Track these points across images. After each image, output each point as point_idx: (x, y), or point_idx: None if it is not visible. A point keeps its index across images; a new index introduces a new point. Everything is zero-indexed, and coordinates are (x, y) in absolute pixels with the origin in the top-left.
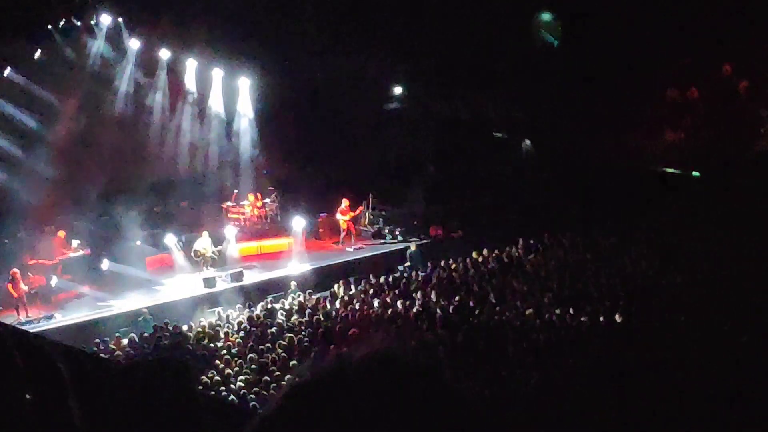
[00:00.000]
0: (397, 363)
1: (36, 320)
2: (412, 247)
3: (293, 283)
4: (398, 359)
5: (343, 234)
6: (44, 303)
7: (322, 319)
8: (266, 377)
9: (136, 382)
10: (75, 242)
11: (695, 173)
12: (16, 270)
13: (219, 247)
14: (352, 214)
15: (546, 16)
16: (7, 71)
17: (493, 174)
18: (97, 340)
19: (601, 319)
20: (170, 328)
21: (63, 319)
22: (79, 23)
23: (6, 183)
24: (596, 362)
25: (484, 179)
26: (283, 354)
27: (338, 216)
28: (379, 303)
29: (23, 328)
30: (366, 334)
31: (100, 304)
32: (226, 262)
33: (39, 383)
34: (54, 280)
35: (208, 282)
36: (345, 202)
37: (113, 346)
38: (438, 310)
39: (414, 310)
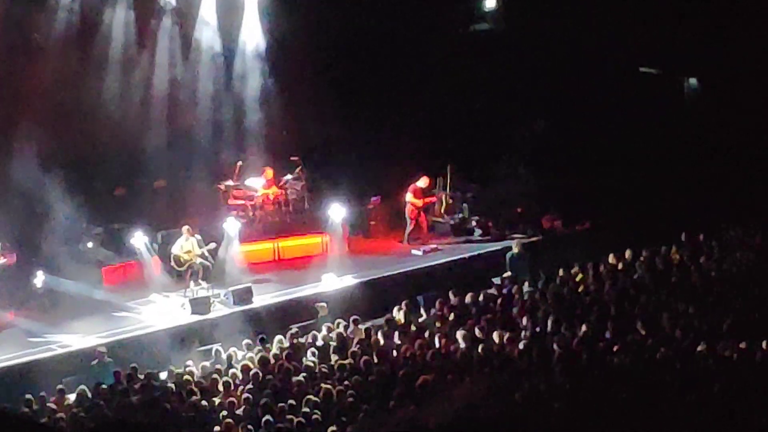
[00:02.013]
0: (493, 428)
1: None
2: (515, 248)
3: (327, 307)
4: (495, 423)
5: (409, 227)
6: None
7: (375, 361)
8: None
9: None
10: None
11: None
12: None
13: (210, 246)
14: (428, 199)
15: None
16: None
17: (638, 133)
18: (29, 396)
19: None
20: (140, 376)
21: None
22: None
23: None
24: None
25: (624, 141)
26: (316, 416)
27: (409, 199)
28: (464, 335)
29: None
30: (445, 385)
31: (32, 339)
32: (226, 274)
33: None
34: None
35: (198, 305)
36: (423, 181)
37: (53, 405)
38: (555, 346)
39: (519, 345)
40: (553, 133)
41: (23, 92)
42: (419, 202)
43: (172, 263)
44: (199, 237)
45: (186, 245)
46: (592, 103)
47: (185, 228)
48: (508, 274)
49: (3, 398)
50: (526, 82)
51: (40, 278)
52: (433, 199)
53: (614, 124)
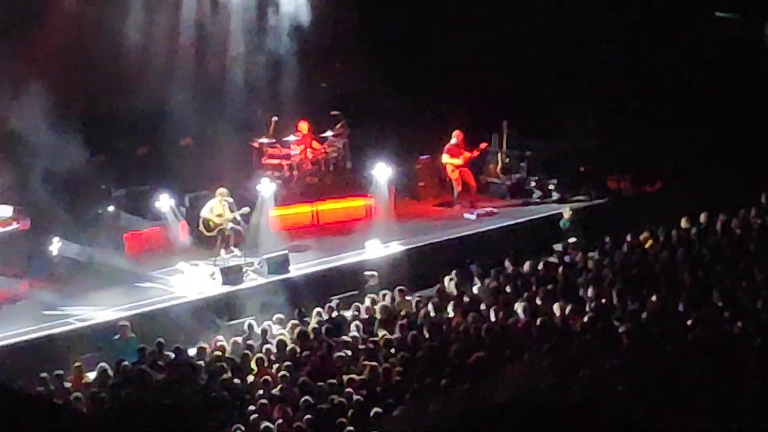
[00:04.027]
0: (554, 409)
1: None
2: (566, 214)
3: (374, 275)
4: (555, 406)
5: (457, 189)
6: None
7: (424, 336)
8: None
9: None
10: (3, 209)
11: None
12: None
13: (243, 211)
14: (467, 155)
15: None
16: None
17: (715, 84)
18: (44, 374)
19: None
20: (166, 352)
21: None
22: None
23: None
24: None
25: (699, 93)
26: (359, 396)
27: (446, 160)
28: (522, 308)
29: None
30: (501, 362)
31: (48, 312)
32: (260, 240)
33: None
34: None
35: (230, 274)
36: (456, 136)
37: (71, 384)
38: (622, 320)
39: (582, 319)
40: (621, 84)
41: (39, 45)
42: (458, 161)
43: (201, 227)
44: (231, 200)
45: (217, 208)
46: (663, 52)
47: (220, 190)
48: (571, 240)
49: (16, 376)
50: (590, 28)
51: (56, 245)
52: (475, 153)
53: (688, 74)
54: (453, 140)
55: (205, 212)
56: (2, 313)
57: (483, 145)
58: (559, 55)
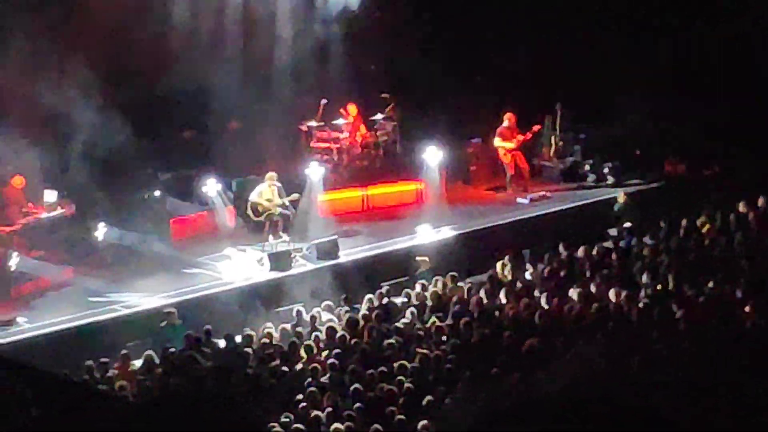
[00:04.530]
0: (612, 400)
1: None
2: (620, 198)
3: (425, 261)
4: (610, 393)
5: (509, 174)
6: None
7: (476, 322)
8: (380, 424)
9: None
10: (49, 194)
11: None
12: None
13: (293, 197)
14: (520, 138)
15: None
16: None
17: None
18: (89, 362)
19: None
20: (214, 340)
21: (31, 326)
22: None
23: None
24: None
25: (757, 71)
26: (409, 384)
27: (498, 144)
28: (576, 294)
29: None
30: (554, 350)
31: (93, 299)
32: (309, 225)
33: None
34: (14, 260)
35: (278, 260)
36: (508, 119)
37: (117, 371)
38: (677, 306)
39: (638, 305)
40: (677, 66)
41: (84, 27)
42: (511, 144)
43: (249, 211)
44: (279, 185)
45: (266, 192)
46: (718, 27)
47: (270, 174)
48: (627, 224)
49: (61, 364)
50: (647, 7)
51: (101, 231)
52: (528, 136)
53: (745, 50)
54: (505, 123)
55: (253, 196)
56: (47, 300)
57: (536, 128)
58: (615, 36)
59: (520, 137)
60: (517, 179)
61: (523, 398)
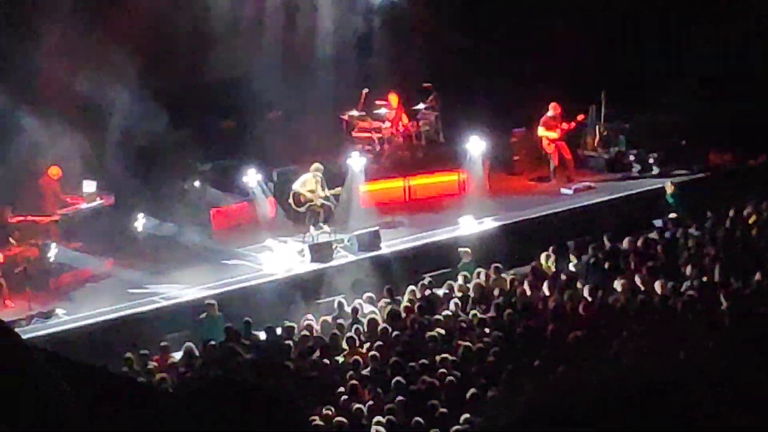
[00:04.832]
0: (657, 394)
1: (24, 320)
2: (669, 188)
3: (466, 252)
4: (656, 387)
5: (553, 164)
6: (36, 290)
7: (519, 314)
8: (421, 418)
9: (198, 424)
10: (88, 185)
11: None
12: None
13: (336, 191)
14: (564, 127)
15: None
16: None
17: None
18: (128, 354)
19: None
20: (255, 332)
21: (70, 318)
22: None
23: None
24: None
25: None
26: (452, 377)
27: (542, 133)
28: (621, 285)
29: None
30: (599, 342)
31: (132, 290)
32: (350, 216)
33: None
34: (53, 251)
35: (319, 251)
36: (553, 108)
37: (155, 363)
38: (723, 298)
39: (683, 297)
40: (722, 55)
41: (122, 16)
42: (554, 134)
43: (291, 200)
44: (323, 177)
45: (310, 183)
46: (765, 13)
47: (315, 165)
48: (672, 215)
49: (100, 356)
50: None
51: (140, 222)
52: (572, 125)
53: None
54: (549, 112)
55: (297, 186)
56: (86, 292)
57: (580, 117)
58: (659, 25)
59: (564, 126)
60: (561, 169)
61: (567, 391)
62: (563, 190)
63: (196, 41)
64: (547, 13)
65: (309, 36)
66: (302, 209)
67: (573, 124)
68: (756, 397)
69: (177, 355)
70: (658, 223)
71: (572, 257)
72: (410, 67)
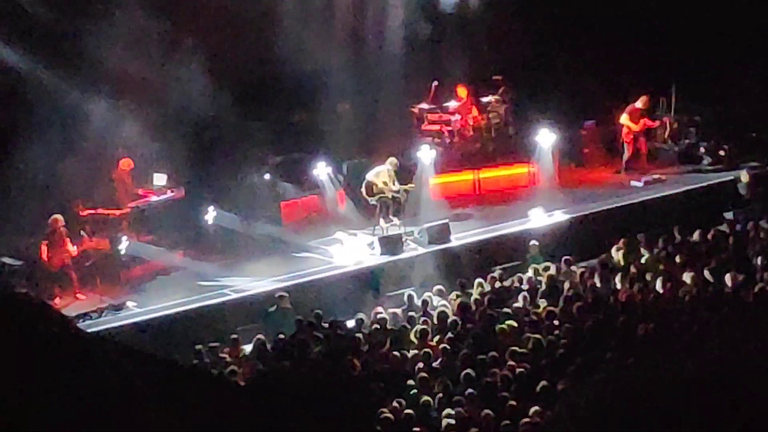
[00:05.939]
0: (730, 387)
1: (95, 312)
2: (743, 178)
3: (535, 245)
4: (726, 379)
5: (627, 155)
6: (108, 282)
7: (590, 306)
8: (491, 409)
9: (269, 415)
10: (158, 178)
11: None
12: (58, 217)
13: (408, 187)
14: (648, 122)
15: None
16: None
17: None
18: (199, 347)
19: None
20: (325, 324)
21: (140, 310)
22: None
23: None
24: None
25: None
26: (523, 369)
27: (624, 121)
28: (692, 278)
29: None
30: (670, 335)
31: (202, 283)
32: (420, 209)
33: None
34: (123, 244)
35: (389, 244)
36: (642, 101)
37: (226, 356)
38: None
39: (754, 289)
40: None
41: (194, 6)
42: (635, 126)
43: (363, 190)
44: (394, 171)
45: (383, 175)
46: None
47: (391, 159)
48: (744, 207)
49: (171, 348)
50: None
51: (211, 215)
52: (654, 123)
53: None
54: (638, 104)
55: (370, 175)
56: (157, 284)
57: (661, 122)
58: (729, 17)
59: (647, 123)
60: (633, 161)
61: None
62: (633, 183)
63: (267, 34)
64: (619, 5)
65: (380, 28)
66: (373, 200)
67: (656, 123)
68: None
69: (247, 348)
70: (728, 215)
71: (642, 250)
72: (480, 59)
